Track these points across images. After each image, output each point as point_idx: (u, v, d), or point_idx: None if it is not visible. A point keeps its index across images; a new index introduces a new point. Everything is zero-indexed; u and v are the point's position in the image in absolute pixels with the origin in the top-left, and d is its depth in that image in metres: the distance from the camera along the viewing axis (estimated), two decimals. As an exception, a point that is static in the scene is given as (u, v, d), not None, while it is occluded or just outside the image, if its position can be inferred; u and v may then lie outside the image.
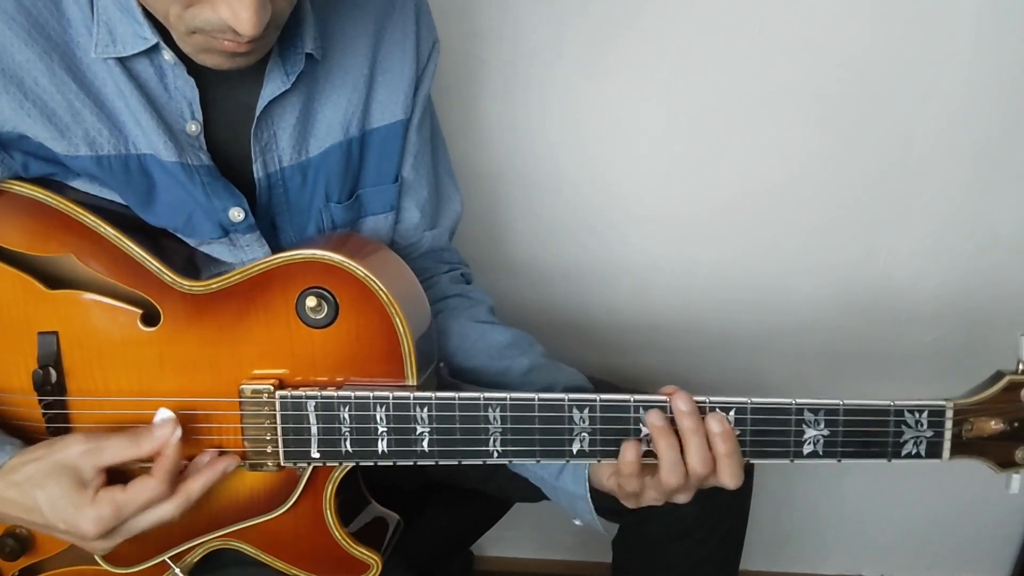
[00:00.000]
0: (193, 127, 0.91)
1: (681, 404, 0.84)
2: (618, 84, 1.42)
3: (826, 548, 1.79)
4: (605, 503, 1.16)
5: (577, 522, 1.00)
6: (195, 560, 0.96)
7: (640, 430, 0.85)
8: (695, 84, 1.41)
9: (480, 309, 1.10)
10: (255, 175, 0.95)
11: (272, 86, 0.93)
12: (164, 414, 0.87)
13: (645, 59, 1.40)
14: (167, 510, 0.85)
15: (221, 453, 0.90)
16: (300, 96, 0.96)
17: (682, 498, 0.88)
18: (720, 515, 1.12)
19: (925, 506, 1.72)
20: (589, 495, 0.96)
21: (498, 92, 1.43)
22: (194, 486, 0.86)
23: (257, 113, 0.93)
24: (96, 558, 0.94)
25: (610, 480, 0.92)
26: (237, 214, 0.94)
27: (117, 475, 0.86)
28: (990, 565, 1.78)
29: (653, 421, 0.84)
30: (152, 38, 0.86)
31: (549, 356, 1.07)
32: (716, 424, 0.84)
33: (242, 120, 0.94)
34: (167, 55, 0.88)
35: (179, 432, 0.85)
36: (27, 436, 0.92)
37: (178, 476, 0.86)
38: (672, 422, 0.84)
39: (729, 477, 0.85)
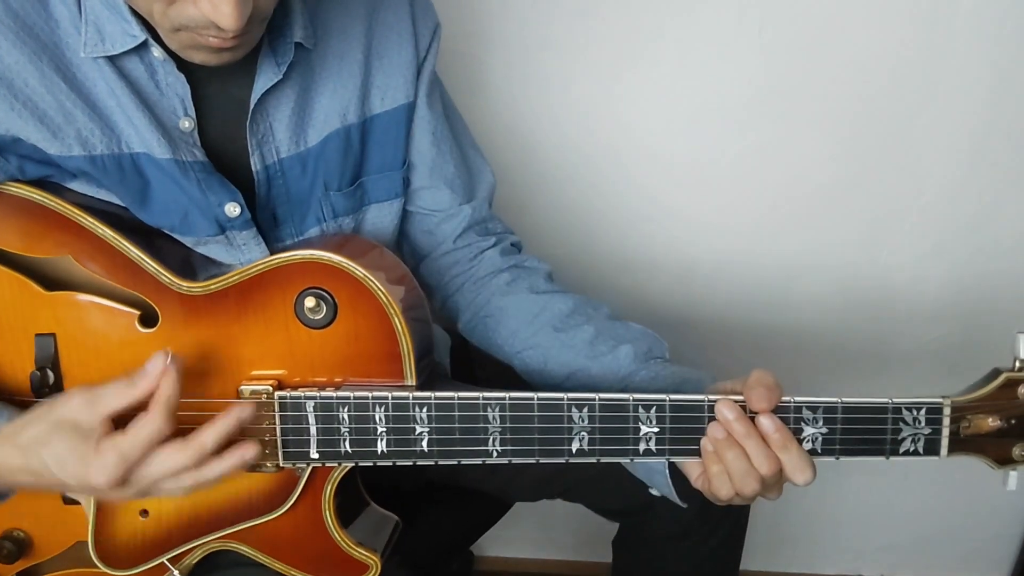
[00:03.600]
0: (186, 123, 0.91)
1: (726, 412, 0.83)
2: (618, 83, 1.42)
3: (826, 548, 1.79)
4: (608, 505, 1.16)
5: (653, 491, 0.99)
6: (194, 562, 0.96)
7: (640, 428, 0.85)
8: (695, 83, 1.41)
9: (537, 278, 1.07)
10: (253, 168, 0.95)
11: (264, 78, 0.93)
12: (160, 354, 0.82)
13: (645, 58, 1.40)
14: (180, 459, 0.80)
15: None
16: (295, 87, 0.96)
17: (772, 496, 0.88)
18: (720, 515, 1.12)
19: (925, 506, 1.72)
20: (668, 471, 0.95)
21: (497, 91, 1.43)
22: (208, 435, 0.81)
23: (251, 106, 0.93)
24: (94, 560, 0.94)
25: (699, 480, 0.90)
26: (233, 209, 0.94)
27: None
28: (990, 565, 1.78)
29: (715, 435, 0.84)
30: (140, 35, 0.86)
31: (614, 316, 1.04)
32: (768, 424, 0.83)
33: (236, 114, 0.94)
34: (156, 52, 0.88)
35: (173, 362, 0.81)
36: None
37: (176, 412, 0.81)
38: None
39: (796, 472, 0.83)
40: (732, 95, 1.42)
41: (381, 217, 1.06)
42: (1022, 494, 0.88)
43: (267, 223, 0.98)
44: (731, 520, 1.15)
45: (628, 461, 0.91)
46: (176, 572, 0.95)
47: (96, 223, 0.90)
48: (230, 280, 0.89)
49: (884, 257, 1.52)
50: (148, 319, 0.90)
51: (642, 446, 0.85)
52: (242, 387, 0.89)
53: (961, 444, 0.85)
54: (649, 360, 0.98)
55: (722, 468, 0.84)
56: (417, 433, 0.87)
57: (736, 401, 0.83)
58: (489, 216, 1.14)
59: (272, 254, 0.97)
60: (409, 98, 1.04)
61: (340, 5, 0.99)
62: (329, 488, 0.93)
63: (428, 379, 0.94)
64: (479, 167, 1.15)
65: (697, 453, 0.85)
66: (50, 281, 0.90)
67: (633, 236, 1.52)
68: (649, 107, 1.43)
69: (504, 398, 0.85)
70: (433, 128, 1.07)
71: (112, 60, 0.88)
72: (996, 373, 0.84)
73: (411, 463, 0.88)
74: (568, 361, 1.00)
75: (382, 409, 0.87)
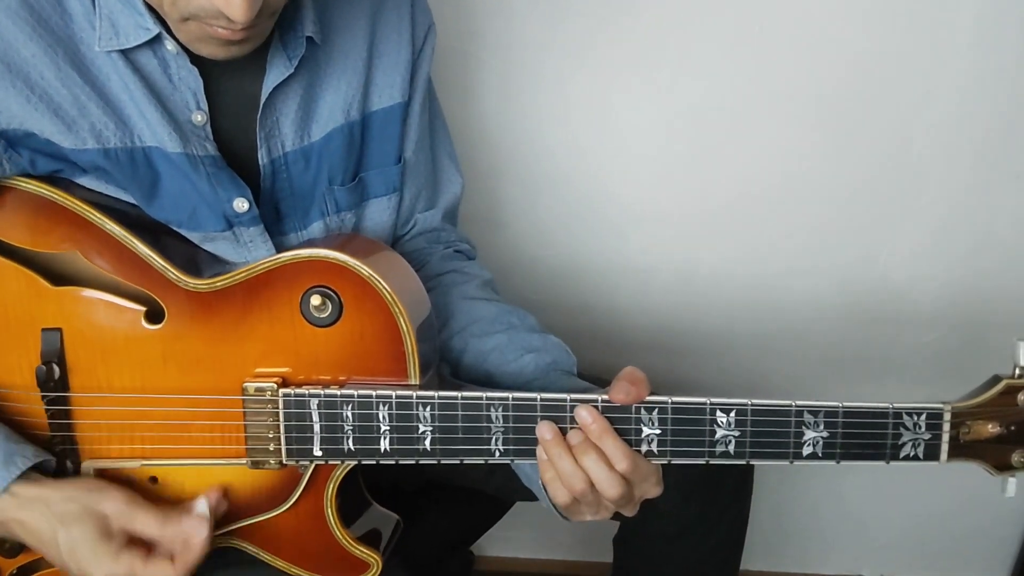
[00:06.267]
0: (199, 117, 0.92)
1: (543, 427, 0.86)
2: (618, 83, 1.42)
3: (826, 548, 1.79)
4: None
5: (544, 504, 1.00)
6: (196, 558, 0.96)
7: (642, 430, 0.86)
8: (695, 83, 1.41)
9: (471, 285, 1.09)
10: (260, 161, 0.96)
11: (276, 72, 0.93)
12: (201, 509, 0.88)
13: (645, 58, 1.40)
14: None
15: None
16: (302, 82, 0.97)
17: (628, 511, 0.88)
18: (720, 515, 1.13)
19: (925, 506, 1.72)
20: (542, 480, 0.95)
21: (496, 90, 1.44)
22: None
23: (263, 100, 0.94)
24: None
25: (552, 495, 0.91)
26: (241, 205, 0.95)
27: None
28: (990, 565, 1.78)
29: (543, 435, 0.85)
30: (154, 28, 0.87)
31: (537, 329, 1.05)
32: (584, 415, 0.84)
33: (246, 108, 0.95)
34: (169, 45, 0.88)
35: (209, 532, 0.86)
36: (29, 433, 0.92)
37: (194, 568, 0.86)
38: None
39: (618, 460, 0.84)
40: (731, 94, 1.42)
41: (380, 212, 1.07)
42: (1022, 494, 0.89)
43: (270, 217, 0.99)
44: (731, 519, 1.15)
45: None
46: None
47: (104, 219, 0.90)
48: (237, 277, 0.90)
49: (884, 258, 1.52)
50: (154, 315, 0.91)
51: (644, 447, 0.86)
52: (246, 384, 0.90)
53: (961, 450, 0.85)
54: (550, 371, 0.98)
55: (554, 474, 0.86)
56: (420, 432, 0.88)
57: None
58: (442, 227, 1.17)
59: (276, 248, 0.98)
60: (404, 97, 1.05)
61: (347, 2, 1.00)
62: (332, 486, 0.93)
63: (432, 379, 0.94)
64: (448, 177, 1.17)
65: (699, 455, 0.86)
66: (57, 276, 0.91)
67: (632, 237, 1.52)
68: (647, 107, 1.43)
69: (507, 398, 0.86)
70: (418, 136, 1.09)
71: (125, 54, 0.88)
72: (996, 380, 0.84)
73: (414, 461, 0.89)
74: (477, 365, 1.02)
75: (386, 407, 0.87)
